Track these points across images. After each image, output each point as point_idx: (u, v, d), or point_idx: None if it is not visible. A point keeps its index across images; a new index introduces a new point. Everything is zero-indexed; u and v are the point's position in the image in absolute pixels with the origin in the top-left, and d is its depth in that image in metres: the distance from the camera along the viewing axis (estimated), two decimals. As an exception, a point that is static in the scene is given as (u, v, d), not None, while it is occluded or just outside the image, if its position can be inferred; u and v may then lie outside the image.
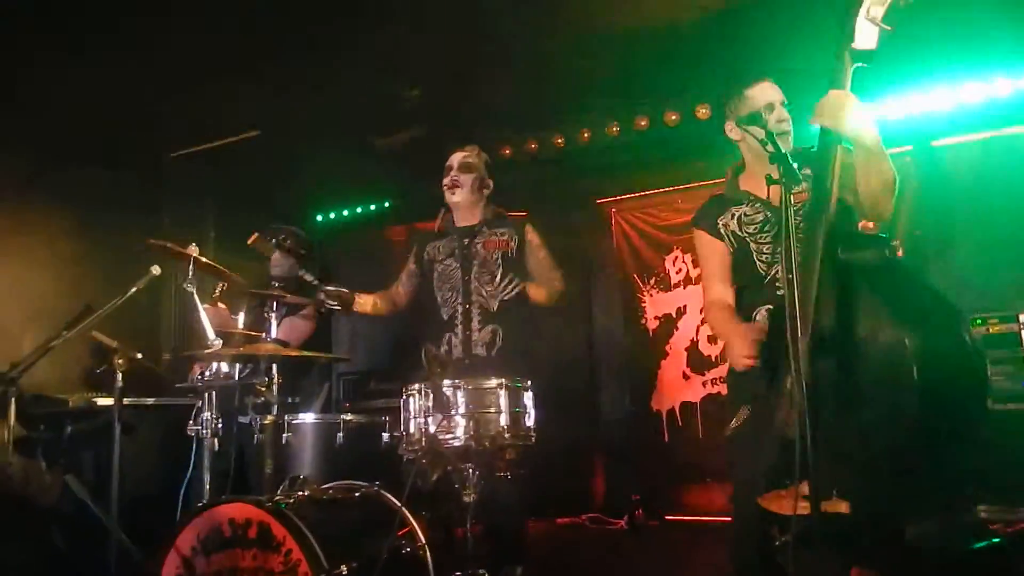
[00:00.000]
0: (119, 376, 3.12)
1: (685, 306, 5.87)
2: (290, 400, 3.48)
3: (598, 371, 6.06)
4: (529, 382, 2.84)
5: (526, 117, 5.70)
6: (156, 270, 3.24)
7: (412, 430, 2.73)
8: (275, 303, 3.24)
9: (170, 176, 5.57)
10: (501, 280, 3.35)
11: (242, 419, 3.30)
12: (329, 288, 3.37)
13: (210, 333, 3.14)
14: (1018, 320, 4.26)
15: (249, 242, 3.66)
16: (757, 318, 2.52)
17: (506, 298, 3.34)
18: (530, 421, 2.79)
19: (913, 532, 2.05)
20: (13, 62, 4.12)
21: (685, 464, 5.66)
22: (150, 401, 3.91)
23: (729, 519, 2.60)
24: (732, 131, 2.66)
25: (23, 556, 3.45)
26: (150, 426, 3.80)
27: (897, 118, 5.01)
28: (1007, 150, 4.95)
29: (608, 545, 5.20)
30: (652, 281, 6.06)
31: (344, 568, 2.43)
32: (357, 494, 2.87)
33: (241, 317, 3.75)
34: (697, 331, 5.79)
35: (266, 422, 2.94)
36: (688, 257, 5.88)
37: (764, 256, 2.54)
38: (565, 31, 4.54)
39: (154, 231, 4.49)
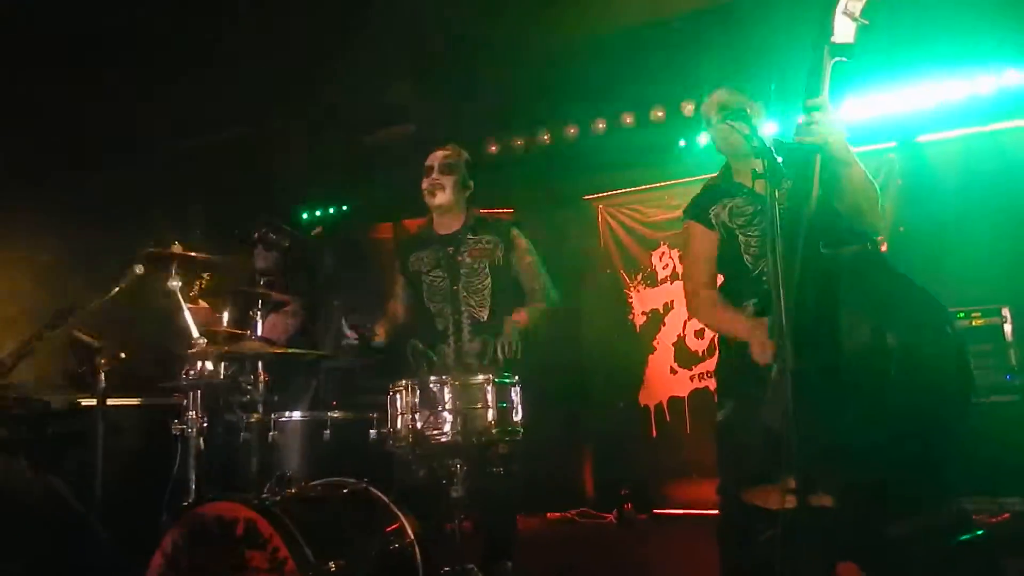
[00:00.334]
0: (102, 376, 3.10)
1: (672, 301, 5.89)
2: (276, 398, 3.46)
3: (586, 367, 6.07)
4: (516, 377, 2.83)
5: (512, 114, 5.70)
6: (139, 269, 3.20)
7: (399, 426, 2.72)
8: (260, 301, 3.22)
9: (155, 174, 5.52)
10: (490, 291, 3.26)
11: (228, 417, 3.28)
12: (355, 331, 3.23)
13: (195, 331, 3.12)
14: (1001, 313, 4.30)
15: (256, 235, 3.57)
16: (746, 311, 2.52)
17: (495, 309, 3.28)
18: (518, 416, 2.79)
19: (898, 526, 2.07)
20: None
21: (673, 458, 5.69)
22: (134, 401, 3.88)
23: (717, 513, 2.61)
24: (712, 129, 2.66)
25: (4, 557, 3.41)
26: (134, 425, 3.77)
27: (882, 114, 5.04)
28: (990, 146, 5.00)
29: (597, 539, 5.21)
30: (639, 277, 6.08)
31: (332, 565, 2.42)
32: (345, 491, 2.86)
33: (225, 315, 3.72)
34: (684, 326, 5.81)
35: (252, 420, 2.93)
36: (675, 253, 5.90)
37: (752, 249, 2.54)
38: (551, 29, 4.53)
39: (139, 229, 4.45)
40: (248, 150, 5.44)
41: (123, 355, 3.40)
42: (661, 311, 5.95)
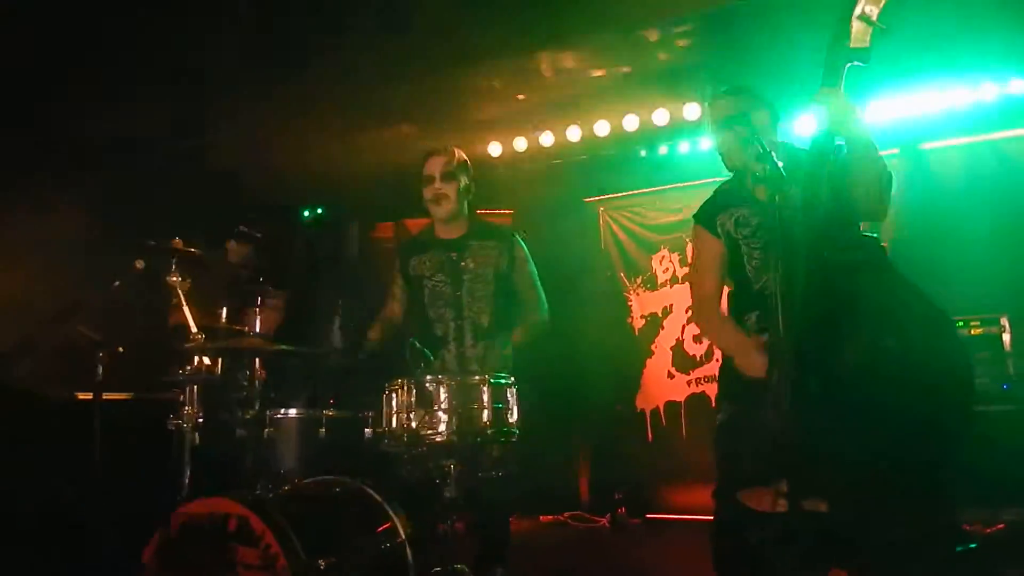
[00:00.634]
0: (100, 370, 3.10)
1: (671, 305, 5.88)
2: (273, 395, 3.45)
3: (584, 369, 6.06)
4: (512, 378, 2.83)
5: (514, 116, 5.69)
6: (140, 264, 3.20)
7: (394, 425, 2.72)
8: (243, 296, 3.21)
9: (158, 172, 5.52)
10: (493, 297, 3.24)
11: (224, 414, 3.27)
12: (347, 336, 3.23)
13: (193, 327, 3.12)
14: (999, 323, 4.30)
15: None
16: (748, 323, 2.52)
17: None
18: (513, 417, 2.78)
19: (892, 534, 2.07)
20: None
21: (669, 463, 5.68)
22: (131, 396, 3.87)
23: (712, 518, 2.60)
24: (716, 136, 2.66)
25: (1, 553, 3.42)
26: (130, 420, 3.76)
27: (886, 121, 5.04)
28: (992, 154, 4.99)
29: (591, 543, 5.21)
30: (639, 280, 6.07)
31: (322, 563, 2.41)
32: (338, 489, 2.86)
33: (224, 312, 3.70)
34: (683, 330, 5.80)
35: (248, 417, 2.92)
36: (675, 256, 5.89)
37: (755, 261, 2.53)
38: (554, 32, 4.52)
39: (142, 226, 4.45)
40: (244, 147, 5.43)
41: (121, 350, 3.42)
42: (660, 315, 5.94)
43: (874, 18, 2.12)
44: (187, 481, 2.92)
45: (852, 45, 2.13)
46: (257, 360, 3.03)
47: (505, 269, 3.27)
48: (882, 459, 2.03)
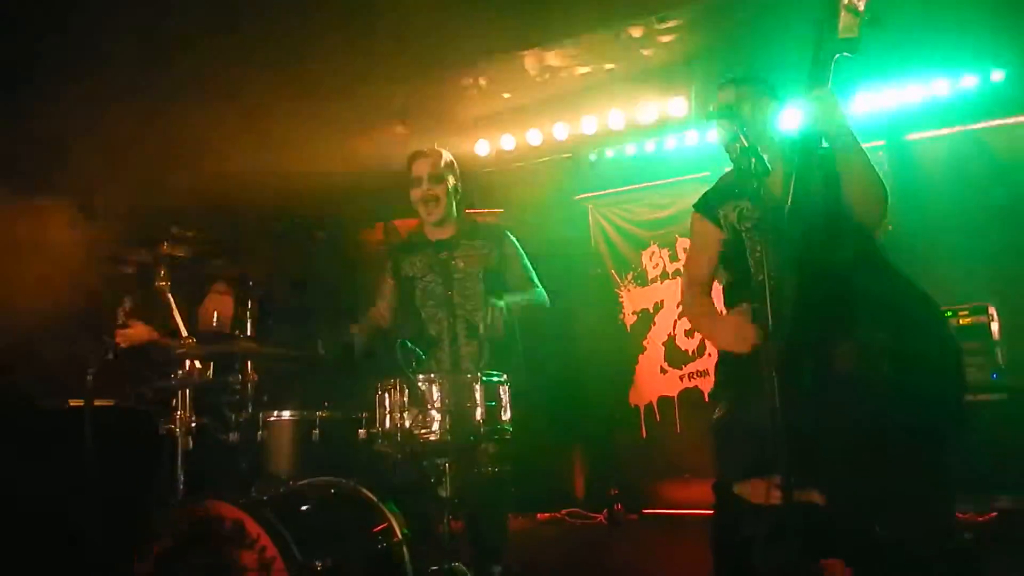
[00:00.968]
0: (90, 376, 3.08)
1: (662, 301, 5.91)
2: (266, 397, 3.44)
3: (577, 366, 6.07)
4: (505, 376, 2.83)
5: (501, 115, 5.69)
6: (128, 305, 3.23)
7: (388, 425, 2.72)
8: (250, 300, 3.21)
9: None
10: (484, 296, 3.23)
11: (216, 417, 3.26)
12: (329, 340, 3.20)
13: (183, 330, 3.11)
14: (987, 312, 4.32)
15: None
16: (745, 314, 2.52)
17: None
18: (506, 415, 2.79)
19: (887, 526, 2.08)
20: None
21: (663, 458, 5.70)
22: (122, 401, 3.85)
23: (708, 512, 2.61)
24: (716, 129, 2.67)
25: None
26: (122, 425, 3.75)
27: (869, 112, 5.07)
28: (976, 144, 5.03)
29: (588, 540, 5.22)
30: (629, 276, 6.09)
31: (319, 564, 2.41)
32: (333, 490, 2.85)
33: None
34: (674, 325, 5.82)
35: (241, 419, 2.91)
36: (665, 252, 5.91)
37: (756, 254, 2.54)
38: (539, 30, 4.52)
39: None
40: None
41: (111, 356, 3.40)
42: (651, 310, 5.96)
43: (861, 8, 2.13)
44: (181, 485, 2.91)
45: (840, 36, 2.14)
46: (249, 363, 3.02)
47: (495, 266, 3.29)
48: (875, 450, 2.04)
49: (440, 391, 2.67)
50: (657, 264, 5.96)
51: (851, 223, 2.36)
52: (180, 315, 3.19)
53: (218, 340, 3.28)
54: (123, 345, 3.36)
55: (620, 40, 4.63)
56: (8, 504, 3.43)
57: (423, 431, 2.64)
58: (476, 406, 2.69)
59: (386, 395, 2.74)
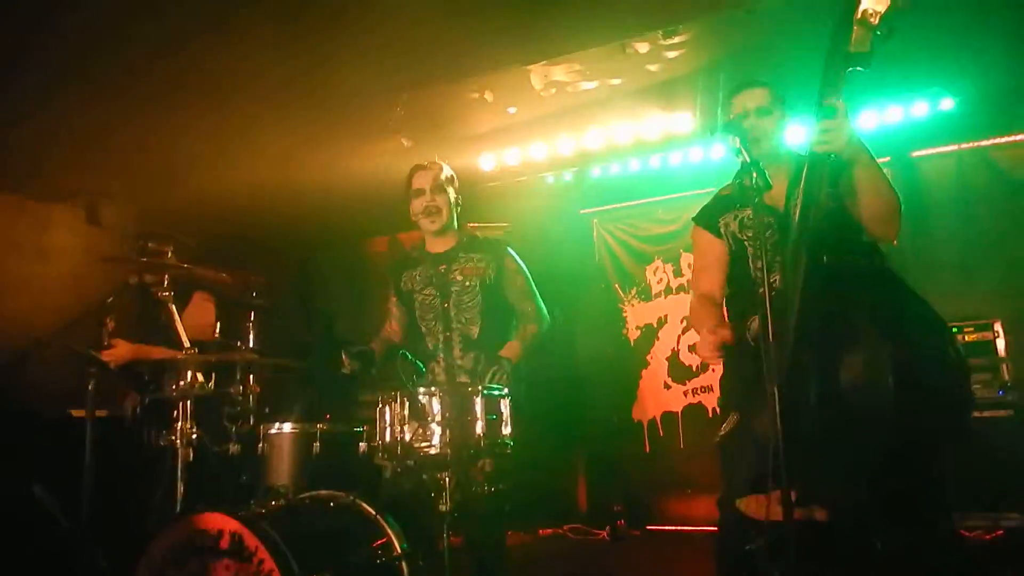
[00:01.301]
0: (91, 386, 3.09)
1: (666, 316, 5.89)
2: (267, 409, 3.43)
3: (580, 381, 6.05)
4: (506, 390, 2.82)
5: (506, 129, 5.70)
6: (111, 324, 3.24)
7: (387, 438, 2.70)
8: (251, 312, 3.21)
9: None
10: (481, 309, 3.22)
11: (216, 429, 3.25)
12: (352, 350, 3.13)
13: (185, 341, 3.11)
14: (993, 328, 4.30)
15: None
16: (752, 327, 2.51)
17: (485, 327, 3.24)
18: (507, 430, 2.77)
19: (891, 542, 2.06)
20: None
21: (667, 474, 5.66)
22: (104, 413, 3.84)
23: (711, 528, 2.59)
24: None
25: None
26: (122, 436, 3.74)
27: (876, 128, 5.07)
28: (982, 161, 5.02)
29: (590, 556, 5.18)
30: (633, 291, 6.08)
31: (317, 578, 2.40)
32: (332, 504, 2.84)
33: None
34: (678, 341, 5.81)
35: (242, 431, 2.91)
36: (669, 267, 5.90)
37: (759, 263, 2.53)
38: (545, 45, 4.54)
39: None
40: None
41: (111, 366, 3.41)
42: (655, 325, 5.94)
43: (875, 23, 2.12)
44: (180, 497, 2.90)
45: (852, 50, 2.13)
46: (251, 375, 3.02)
47: (493, 280, 3.27)
48: (879, 465, 2.02)
49: (440, 404, 2.66)
50: (661, 279, 5.95)
51: (860, 236, 2.35)
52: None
53: (221, 350, 3.28)
54: (112, 366, 3.38)
55: (626, 55, 4.63)
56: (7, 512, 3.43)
57: (423, 444, 2.63)
58: (476, 420, 2.67)
59: (386, 408, 2.73)
